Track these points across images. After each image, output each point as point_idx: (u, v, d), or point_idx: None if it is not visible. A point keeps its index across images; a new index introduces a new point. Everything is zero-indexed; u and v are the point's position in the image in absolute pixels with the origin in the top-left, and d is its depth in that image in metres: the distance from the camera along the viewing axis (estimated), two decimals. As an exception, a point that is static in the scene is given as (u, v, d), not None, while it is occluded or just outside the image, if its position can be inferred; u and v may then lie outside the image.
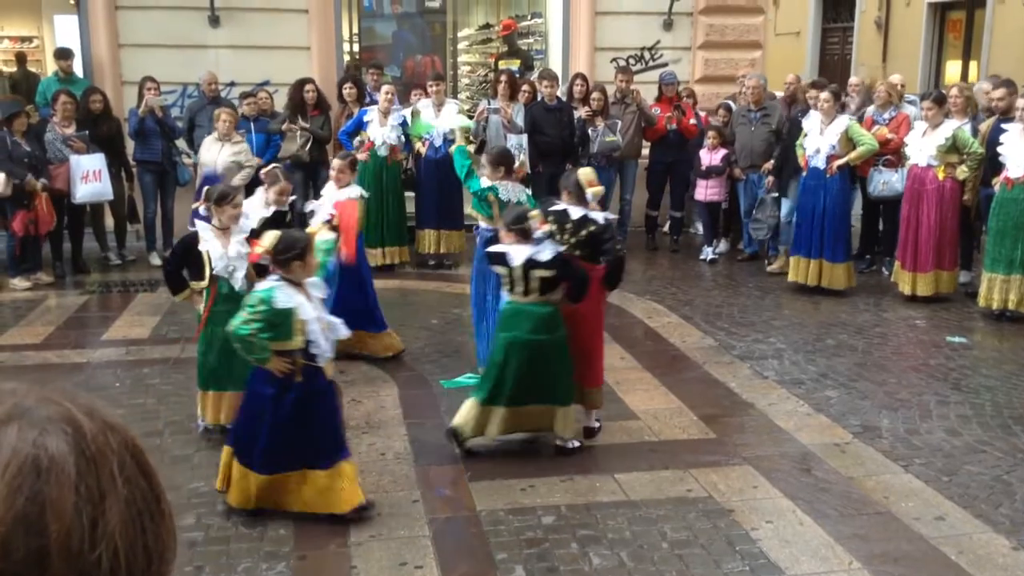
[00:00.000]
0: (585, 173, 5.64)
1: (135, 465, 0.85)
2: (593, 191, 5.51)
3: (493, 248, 5.27)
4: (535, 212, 5.30)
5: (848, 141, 8.41)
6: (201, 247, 5.28)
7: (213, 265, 5.26)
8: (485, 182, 6.20)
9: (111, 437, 0.84)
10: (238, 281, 5.31)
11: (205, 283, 5.32)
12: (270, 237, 4.55)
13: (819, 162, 8.49)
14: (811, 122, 8.63)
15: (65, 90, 9.39)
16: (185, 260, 5.43)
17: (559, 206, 5.49)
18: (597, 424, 5.54)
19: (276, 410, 4.41)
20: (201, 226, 5.36)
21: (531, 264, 5.06)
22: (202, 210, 5.56)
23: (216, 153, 8.85)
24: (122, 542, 0.80)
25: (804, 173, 8.71)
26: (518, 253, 5.08)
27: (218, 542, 4.32)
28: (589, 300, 5.30)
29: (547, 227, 5.18)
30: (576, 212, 5.40)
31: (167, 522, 0.87)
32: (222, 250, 5.28)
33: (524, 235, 5.11)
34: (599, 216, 5.43)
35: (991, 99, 8.59)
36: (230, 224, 5.34)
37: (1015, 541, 4.33)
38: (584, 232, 5.35)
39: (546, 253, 5.09)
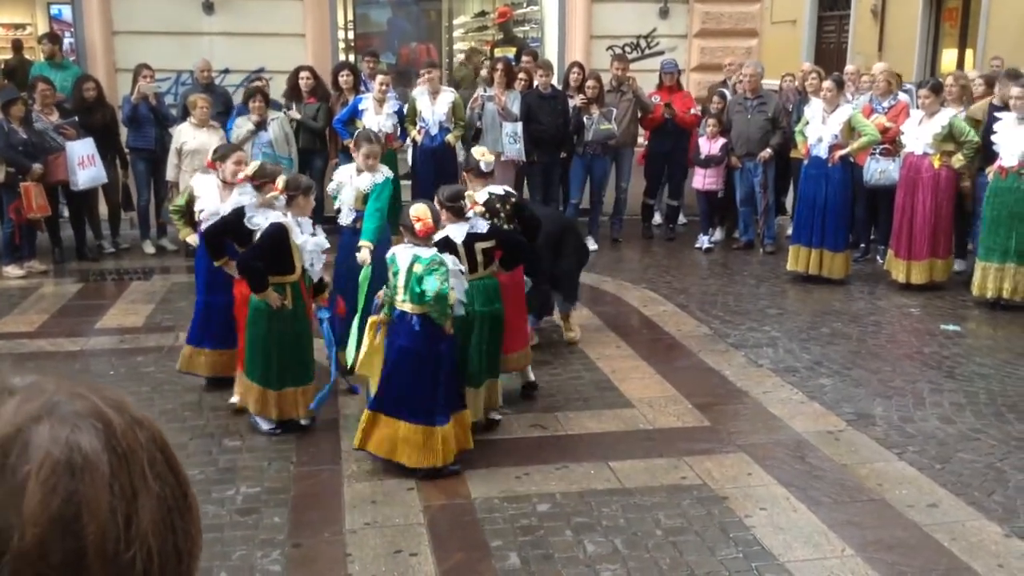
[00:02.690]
0: (479, 149, 5.86)
1: (164, 460, 0.82)
2: (486, 159, 5.67)
3: (436, 236, 5.05)
4: (468, 192, 5.33)
5: (850, 130, 8.40)
6: (295, 239, 5.16)
7: (305, 258, 5.23)
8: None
9: (140, 432, 0.81)
10: (316, 274, 5.36)
11: (295, 277, 5.21)
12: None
13: (821, 151, 8.46)
14: (813, 110, 8.61)
15: (41, 76, 9.27)
16: (270, 255, 5.15)
17: (485, 191, 5.52)
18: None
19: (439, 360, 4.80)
20: (290, 219, 5.18)
21: (473, 238, 5.13)
22: (283, 199, 5.24)
23: (194, 139, 8.80)
24: (155, 541, 0.77)
25: (806, 162, 8.70)
26: (457, 231, 5.11)
27: (212, 530, 4.30)
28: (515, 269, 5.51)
29: (479, 208, 5.24)
30: (496, 190, 5.61)
31: (194, 517, 0.84)
32: (310, 244, 5.25)
33: (458, 213, 5.13)
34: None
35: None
36: (305, 214, 5.29)
37: (1007, 528, 4.35)
38: (509, 207, 5.55)
39: (482, 225, 5.18)
